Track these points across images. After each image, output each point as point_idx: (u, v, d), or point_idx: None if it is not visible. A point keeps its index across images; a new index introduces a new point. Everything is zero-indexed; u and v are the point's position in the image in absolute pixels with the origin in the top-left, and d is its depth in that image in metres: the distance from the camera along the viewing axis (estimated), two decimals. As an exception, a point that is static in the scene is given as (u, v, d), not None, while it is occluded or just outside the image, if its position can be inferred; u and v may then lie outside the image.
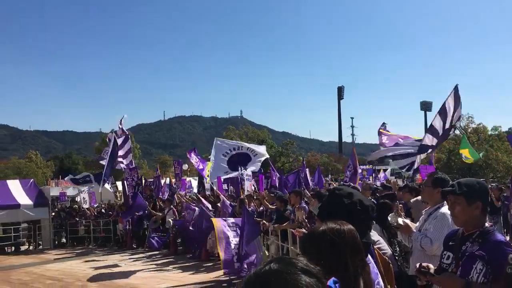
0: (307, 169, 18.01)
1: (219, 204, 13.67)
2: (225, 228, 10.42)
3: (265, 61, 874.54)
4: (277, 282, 1.16)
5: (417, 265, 2.83)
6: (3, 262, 15.81)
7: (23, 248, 20.22)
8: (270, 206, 10.69)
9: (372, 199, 7.33)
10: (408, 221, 4.31)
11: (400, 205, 5.04)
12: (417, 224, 4.35)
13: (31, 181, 21.28)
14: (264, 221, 10.21)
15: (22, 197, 19.19)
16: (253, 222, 9.99)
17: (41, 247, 19.96)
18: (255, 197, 12.79)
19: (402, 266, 4.80)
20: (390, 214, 4.71)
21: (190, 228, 13.04)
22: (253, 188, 15.07)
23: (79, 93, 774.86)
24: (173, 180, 19.58)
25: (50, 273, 12.56)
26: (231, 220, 10.89)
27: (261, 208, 11.73)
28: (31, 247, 20.31)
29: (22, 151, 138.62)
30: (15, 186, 19.88)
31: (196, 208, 13.14)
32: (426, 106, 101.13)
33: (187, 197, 16.52)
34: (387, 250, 2.62)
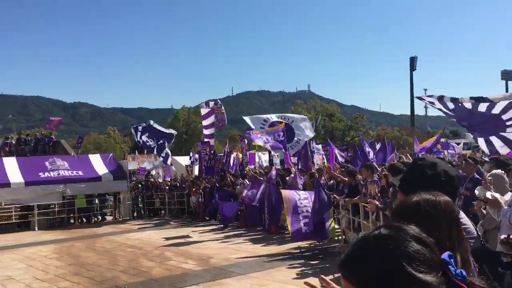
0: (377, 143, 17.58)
1: (287, 178, 13.73)
2: (295, 198, 10.50)
3: (332, 34, 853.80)
4: (386, 247, 1.12)
5: (504, 236, 2.68)
6: (88, 231, 16.98)
7: (108, 218, 21.54)
8: (342, 178, 10.55)
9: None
10: (497, 195, 4.05)
11: (490, 177, 4.73)
12: (507, 197, 4.09)
13: (110, 155, 22.51)
14: (335, 195, 10.12)
15: (102, 170, 20.38)
16: (324, 196, 9.97)
17: (121, 217, 21.17)
18: (325, 171, 12.68)
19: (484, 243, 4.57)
20: (478, 187, 4.46)
21: (254, 203, 13.29)
22: (323, 161, 14.95)
23: (152, 73, 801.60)
24: (241, 155, 19.92)
25: (130, 242, 13.32)
26: (302, 192, 10.94)
27: (331, 181, 11.63)
28: (110, 218, 21.58)
29: (101, 127, 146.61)
30: (96, 160, 21.14)
31: (262, 186, 13.32)
32: (508, 76, 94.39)
33: (255, 171, 16.71)
34: (469, 225, 2.48)
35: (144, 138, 20.91)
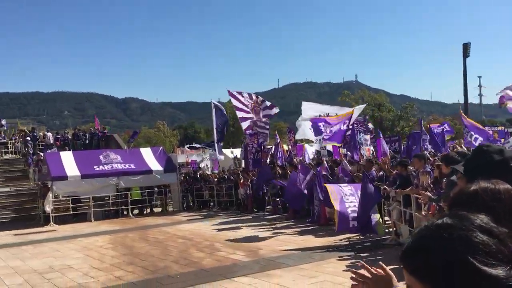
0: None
1: (336, 169, 13.57)
2: (341, 193, 10.35)
3: (379, 22, 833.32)
4: (449, 237, 1.06)
5: None
6: (140, 223, 17.51)
7: (156, 210, 22.14)
8: (391, 170, 10.32)
9: None
10: None
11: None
12: None
13: (160, 148, 23.10)
14: (385, 186, 9.90)
15: (153, 164, 20.94)
16: (372, 189, 9.76)
17: (171, 209, 21.68)
18: (374, 162, 12.43)
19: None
20: None
21: (300, 186, 13.23)
22: (371, 152, 14.67)
23: (197, 68, 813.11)
24: (289, 147, 19.88)
25: (181, 233, 13.61)
26: (348, 188, 10.73)
27: (381, 173, 11.39)
28: (160, 209, 22.14)
29: (151, 122, 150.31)
30: (147, 154, 21.75)
31: (310, 172, 13.21)
32: None
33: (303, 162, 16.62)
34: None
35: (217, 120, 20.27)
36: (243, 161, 23.44)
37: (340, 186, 10.89)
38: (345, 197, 10.32)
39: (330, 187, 10.77)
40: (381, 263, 1.54)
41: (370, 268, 1.54)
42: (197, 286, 7.04)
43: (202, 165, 27.14)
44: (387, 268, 1.53)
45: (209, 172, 24.20)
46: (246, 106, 17.88)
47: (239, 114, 18.08)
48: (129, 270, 8.75)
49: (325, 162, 14.22)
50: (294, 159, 16.86)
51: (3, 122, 33.66)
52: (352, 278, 1.57)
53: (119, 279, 8.01)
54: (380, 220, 10.45)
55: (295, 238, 11.12)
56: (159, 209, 22.04)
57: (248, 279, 7.28)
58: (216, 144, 20.56)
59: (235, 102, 17.89)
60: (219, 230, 13.58)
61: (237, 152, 27.01)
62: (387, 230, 10.64)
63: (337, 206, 10.10)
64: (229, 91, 17.90)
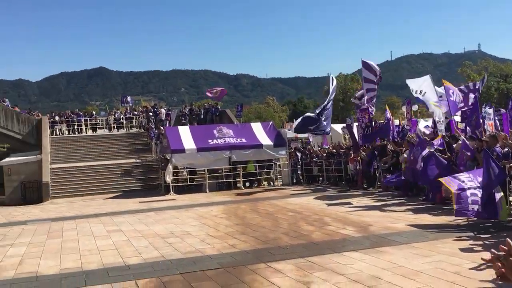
0: None
1: (454, 145, 12.74)
2: (457, 181, 9.58)
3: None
4: None
5: None
6: (251, 195, 18.15)
7: (265, 183, 22.71)
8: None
9: None
10: None
11: None
12: None
13: (270, 123, 23.54)
14: (511, 164, 9.08)
15: (263, 138, 21.44)
16: (496, 168, 8.94)
17: (281, 183, 22.11)
18: (499, 139, 11.41)
19: None
20: None
21: (417, 167, 12.52)
22: (496, 127, 13.50)
23: (307, 41, 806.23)
24: (403, 122, 19.04)
25: (290, 206, 13.87)
26: (465, 175, 9.89)
27: (506, 149, 10.44)
28: (270, 183, 22.66)
29: (261, 97, 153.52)
30: (257, 128, 22.33)
31: (426, 149, 12.49)
32: None
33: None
34: None
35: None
36: (347, 136, 22.98)
37: (454, 177, 10.00)
38: (463, 183, 9.57)
39: (443, 181, 9.99)
40: (508, 240, 1.44)
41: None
42: (307, 258, 7.15)
43: (311, 139, 27.14)
44: None
45: (317, 147, 24.16)
46: (375, 78, 17.48)
47: (366, 86, 17.74)
48: (242, 239, 9.15)
49: (441, 136, 13.40)
50: (408, 135, 16.10)
51: (129, 99, 36.78)
52: (492, 257, 1.50)
53: (233, 247, 8.43)
54: (505, 202, 9.60)
55: (407, 216, 10.74)
56: (266, 183, 22.54)
57: (358, 254, 7.22)
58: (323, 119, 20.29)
59: (365, 73, 17.57)
60: (328, 205, 13.58)
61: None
62: (511, 212, 9.81)
63: (454, 188, 9.43)
64: (363, 61, 17.56)
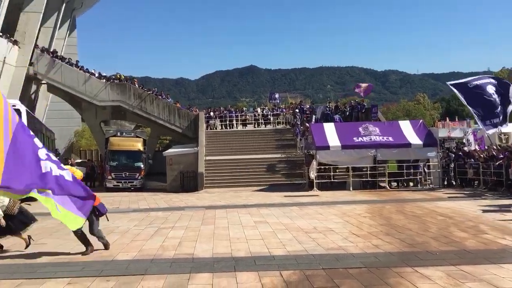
0: None
1: None
2: None
3: None
4: None
5: None
6: (397, 196, 17.50)
7: (411, 184, 21.63)
8: None
9: None
10: None
11: None
12: None
13: (420, 122, 22.37)
14: None
15: (412, 137, 20.48)
16: None
17: (431, 185, 20.85)
18: None
19: None
20: None
21: None
22: None
23: (468, 31, 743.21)
24: None
25: (440, 210, 13.03)
26: None
27: None
28: (418, 185, 21.49)
29: (411, 94, 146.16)
30: (406, 127, 21.39)
31: None
32: None
33: None
34: None
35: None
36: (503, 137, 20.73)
37: None
38: None
39: None
40: None
41: None
42: (459, 266, 6.69)
43: (464, 140, 25.02)
44: None
45: (471, 148, 22.13)
46: None
47: None
48: (386, 240, 8.90)
49: None
50: None
51: (276, 95, 38.08)
52: None
53: (377, 248, 8.25)
54: None
55: None
56: (412, 184, 21.43)
57: (519, 268, 6.53)
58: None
59: None
60: (485, 211, 12.45)
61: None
62: None
63: None
64: None
